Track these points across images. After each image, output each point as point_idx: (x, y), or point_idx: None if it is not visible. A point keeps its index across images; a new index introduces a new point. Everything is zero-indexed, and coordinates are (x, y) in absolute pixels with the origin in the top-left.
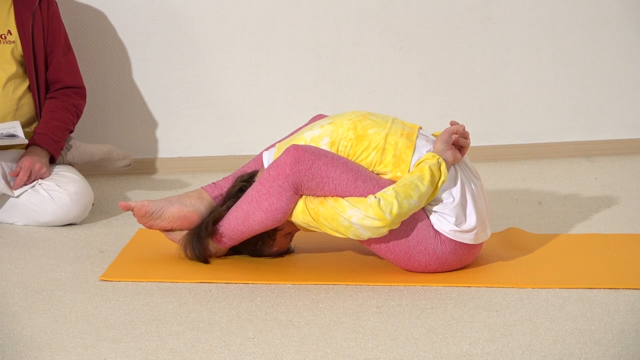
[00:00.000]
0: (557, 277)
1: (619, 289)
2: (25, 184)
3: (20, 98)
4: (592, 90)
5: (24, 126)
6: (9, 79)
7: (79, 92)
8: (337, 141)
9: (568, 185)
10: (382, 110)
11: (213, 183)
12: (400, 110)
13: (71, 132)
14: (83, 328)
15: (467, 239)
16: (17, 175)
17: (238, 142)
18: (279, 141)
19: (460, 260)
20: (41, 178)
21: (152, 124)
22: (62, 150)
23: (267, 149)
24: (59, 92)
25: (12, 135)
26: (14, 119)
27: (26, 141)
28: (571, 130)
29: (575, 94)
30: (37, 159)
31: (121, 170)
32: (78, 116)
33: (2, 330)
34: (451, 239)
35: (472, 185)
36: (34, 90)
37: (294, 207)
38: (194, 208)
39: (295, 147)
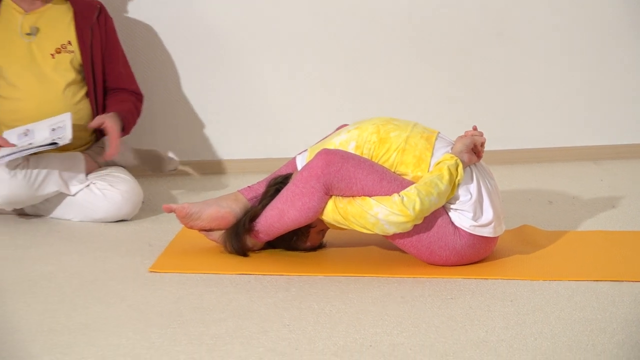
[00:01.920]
0: (566, 270)
1: (622, 281)
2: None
3: (78, 102)
4: (599, 98)
5: (79, 129)
6: (68, 85)
7: (138, 97)
8: (362, 144)
9: (577, 186)
10: (405, 117)
11: (248, 187)
12: (422, 117)
13: (134, 123)
14: (133, 315)
15: (486, 232)
16: (96, 124)
17: (273, 146)
18: (311, 146)
19: (477, 254)
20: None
21: (195, 129)
22: (131, 128)
23: (300, 153)
24: (122, 94)
25: (54, 143)
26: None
27: (71, 139)
28: (580, 136)
29: (583, 101)
30: (114, 121)
31: (168, 173)
32: (138, 113)
33: (60, 317)
34: (470, 234)
35: (487, 183)
36: (91, 96)
37: (325, 206)
38: (230, 209)
39: (326, 151)
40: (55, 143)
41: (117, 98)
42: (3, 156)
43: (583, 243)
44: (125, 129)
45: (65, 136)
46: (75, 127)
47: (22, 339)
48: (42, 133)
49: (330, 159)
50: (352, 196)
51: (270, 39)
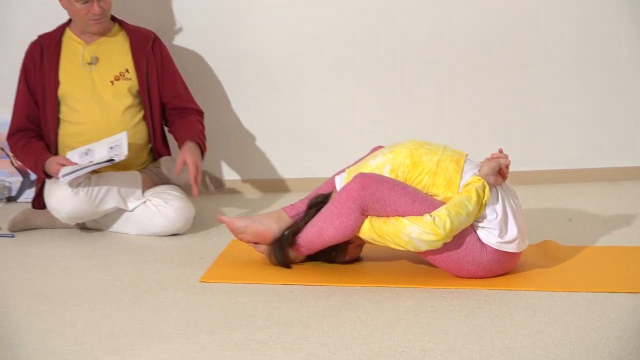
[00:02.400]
0: (584, 282)
1: (637, 293)
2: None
3: (136, 125)
4: (615, 124)
5: (137, 149)
6: (126, 109)
7: (201, 114)
8: (397, 168)
9: (595, 205)
10: (435, 139)
11: (291, 205)
12: (451, 140)
13: (205, 140)
14: (184, 322)
15: (511, 248)
16: (178, 167)
17: (313, 167)
18: (348, 167)
19: (502, 268)
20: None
21: (241, 151)
22: (205, 147)
23: (338, 174)
24: (185, 113)
25: (111, 159)
26: (130, 146)
27: (126, 155)
28: (597, 158)
29: (600, 127)
30: (196, 155)
31: (217, 192)
32: (204, 129)
33: (117, 323)
34: (496, 250)
35: (512, 202)
36: (147, 119)
37: (361, 225)
38: (270, 227)
39: (362, 175)
40: (112, 160)
41: (184, 122)
42: (66, 174)
43: (600, 257)
44: (202, 152)
45: (122, 153)
46: (133, 147)
47: (85, 342)
48: (101, 151)
49: (366, 182)
50: (387, 216)
51: (311, 67)
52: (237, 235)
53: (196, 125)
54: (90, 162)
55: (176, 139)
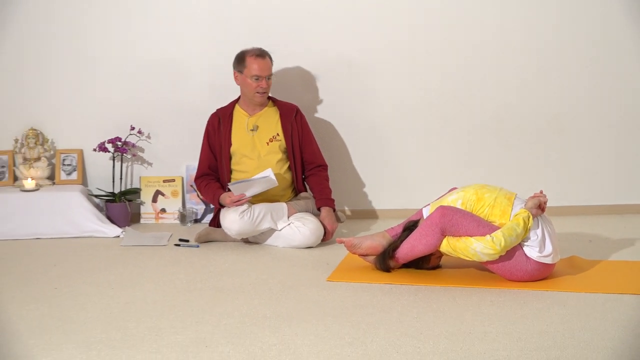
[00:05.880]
0: (601, 285)
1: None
2: (326, 238)
3: (284, 173)
4: (624, 168)
5: (284, 188)
6: (277, 161)
7: (325, 168)
8: (466, 202)
9: (608, 231)
10: (494, 183)
11: (391, 227)
12: (504, 183)
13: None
14: (316, 308)
15: (547, 260)
16: (327, 234)
17: (406, 200)
18: (432, 202)
19: (541, 275)
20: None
21: (354, 189)
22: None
23: (424, 206)
24: (316, 170)
25: (265, 177)
26: (280, 185)
27: (276, 183)
28: (609, 198)
29: (613, 177)
30: (332, 220)
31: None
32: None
33: (269, 308)
34: (536, 261)
35: (548, 228)
36: (292, 168)
37: (441, 242)
38: (379, 243)
39: (442, 207)
40: (266, 176)
41: (317, 178)
42: (234, 184)
43: (612, 268)
44: (334, 209)
45: (271, 179)
46: (281, 186)
47: (246, 322)
48: (256, 183)
49: (445, 212)
50: (459, 236)
51: (411, 130)
52: (352, 249)
53: (325, 184)
54: (251, 179)
55: (312, 191)
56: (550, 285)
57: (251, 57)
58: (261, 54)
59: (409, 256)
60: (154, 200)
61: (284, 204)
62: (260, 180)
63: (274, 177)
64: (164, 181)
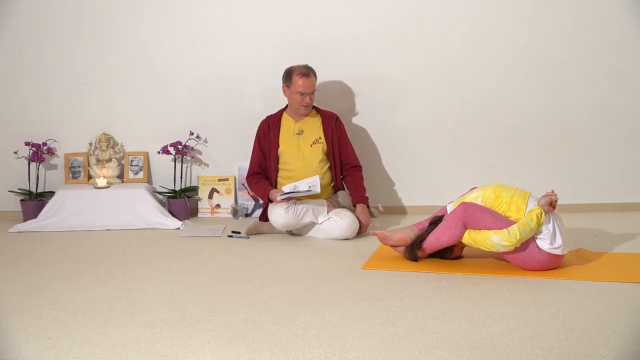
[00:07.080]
0: (605, 275)
1: (639, 282)
2: (361, 231)
3: (325, 172)
4: (623, 171)
5: (325, 186)
6: (319, 162)
7: (360, 168)
8: (485, 199)
9: (611, 226)
10: (510, 183)
11: (419, 222)
12: (520, 184)
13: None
14: (352, 292)
15: (558, 252)
16: (362, 227)
17: (433, 197)
18: (455, 199)
19: (552, 265)
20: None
21: (384, 187)
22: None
23: (449, 203)
24: (352, 170)
25: (308, 191)
26: (321, 183)
27: (319, 191)
28: (612, 197)
29: (618, 178)
30: (367, 214)
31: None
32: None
33: (310, 293)
34: (548, 253)
35: (559, 223)
36: (332, 168)
37: (463, 235)
38: (408, 235)
39: (464, 203)
40: (310, 190)
41: (353, 178)
42: (282, 194)
43: (615, 260)
44: (368, 205)
45: (316, 189)
46: (322, 184)
47: (292, 304)
48: (303, 186)
49: (467, 207)
50: (479, 229)
51: (437, 138)
52: (384, 241)
53: (360, 183)
54: (295, 187)
55: (348, 189)
56: (560, 274)
57: (297, 76)
58: (306, 73)
59: (434, 247)
60: (210, 196)
61: (324, 201)
62: (305, 190)
63: (318, 184)
64: (219, 180)
